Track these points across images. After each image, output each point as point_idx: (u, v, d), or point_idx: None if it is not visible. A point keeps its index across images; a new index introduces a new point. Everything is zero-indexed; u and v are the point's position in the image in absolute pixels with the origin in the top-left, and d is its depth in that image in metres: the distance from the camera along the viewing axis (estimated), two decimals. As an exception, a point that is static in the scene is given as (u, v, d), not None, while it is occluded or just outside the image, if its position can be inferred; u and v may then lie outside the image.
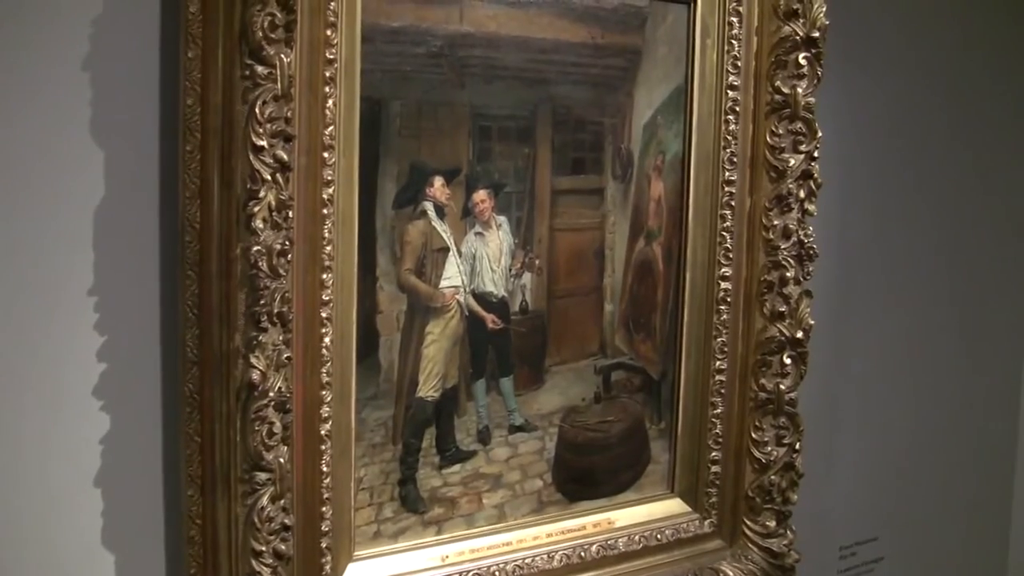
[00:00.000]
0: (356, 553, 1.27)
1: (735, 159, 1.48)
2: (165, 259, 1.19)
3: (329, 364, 1.21)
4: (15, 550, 1.15)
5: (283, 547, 1.20)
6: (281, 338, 1.17)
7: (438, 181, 1.28)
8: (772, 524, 1.54)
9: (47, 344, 1.15)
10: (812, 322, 1.49)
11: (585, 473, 1.45)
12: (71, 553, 1.19)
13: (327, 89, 1.19)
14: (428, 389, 1.30)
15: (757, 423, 1.52)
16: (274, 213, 1.14)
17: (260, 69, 1.12)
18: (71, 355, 1.16)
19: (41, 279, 1.13)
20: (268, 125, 1.14)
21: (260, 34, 1.11)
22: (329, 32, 1.18)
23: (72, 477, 1.18)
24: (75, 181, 1.14)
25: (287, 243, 1.16)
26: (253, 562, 1.19)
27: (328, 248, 1.20)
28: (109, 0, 1.13)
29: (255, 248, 1.14)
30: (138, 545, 1.21)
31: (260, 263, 1.14)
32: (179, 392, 1.19)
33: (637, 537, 1.48)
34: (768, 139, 1.48)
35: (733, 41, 1.47)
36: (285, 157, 1.15)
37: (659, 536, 1.49)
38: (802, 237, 1.48)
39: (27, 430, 1.14)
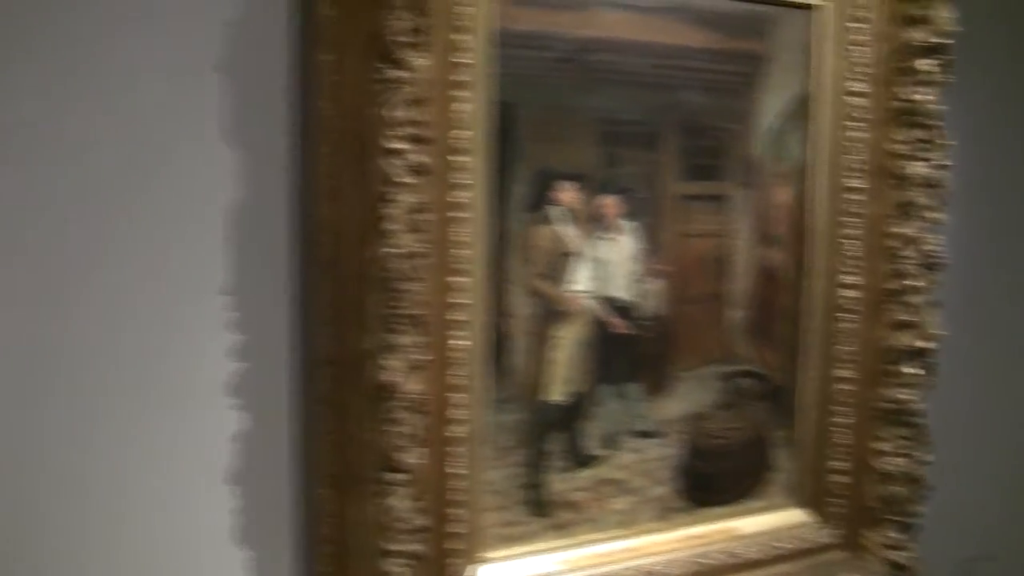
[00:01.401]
0: (484, 555, 1.27)
1: (858, 166, 1.46)
2: (299, 260, 1.21)
3: (461, 367, 1.22)
4: (148, 546, 1.17)
5: (414, 548, 1.21)
6: (415, 340, 1.18)
7: (566, 186, 1.28)
8: (896, 536, 1.51)
9: (181, 342, 1.17)
10: (938, 332, 1.46)
11: (709, 480, 1.44)
12: (203, 550, 1.21)
13: (459, 93, 1.20)
14: (555, 393, 1.31)
15: (882, 433, 1.50)
16: (408, 216, 1.15)
17: (394, 73, 1.14)
18: (204, 354, 1.19)
19: (177, 278, 1.16)
20: (402, 128, 1.15)
21: (394, 38, 1.13)
22: (462, 37, 1.19)
23: (204, 475, 1.20)
24: (210, 182, 1.17)
25: (421, 246, 1.16)
26: (385, 562, 1.19)
27: (460, 251, 1.21)
28: (244, 3, 1.15)
29: (389, 251, 1.15)
30: (270, 543, 1.23)
31: (394, 265, 1.15)
32: (313, 392, 1.20)
33: (759, 546, 1.46)
34: (891, 146, 1.46)
35: (855, 47, 1.45)
36: (419, 160, 1.16)
37: (781, 545, 1.48)
38: (927, 246, 1.45)
39: (160, 427, 1.17)
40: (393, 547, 1.20)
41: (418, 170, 1.16)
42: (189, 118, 1.16)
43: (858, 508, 1.52)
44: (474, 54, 1.21)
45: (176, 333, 1.17)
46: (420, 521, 1.21)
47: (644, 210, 1.35)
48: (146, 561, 1.18)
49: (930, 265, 1.46)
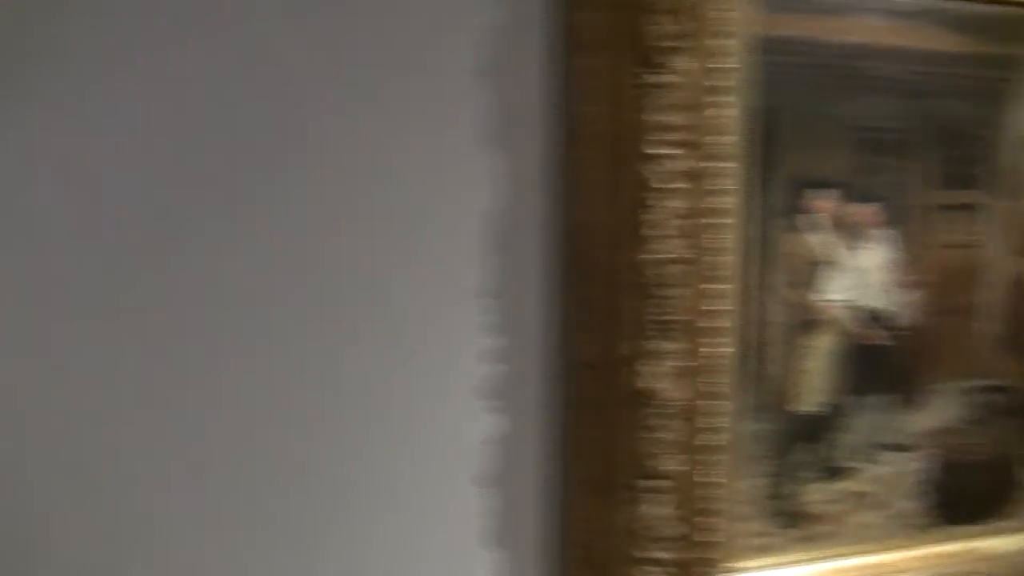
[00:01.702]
0: (733, 565, 1.26)
1: (1116, 176, 1.40)
2: (556, 263, 1.21)
3: (717, 375, 1.21)
4: (397, 545, 1.19)
5: (666, 555, 1.20)
6: (672, 347, 1.18)
7: (821, 193, 1.27)
8: None
9: (437, 345, 1.18)
10: None
11: (958, 497, 1.40)
12: (452, 551, 1.22)
13: (719, 99, 1.19)
14: (806, 403, 1.28)
15: None
16: (667, 222, 1.15)
17: (654, 78, 1.13)
18: (460, 356, 1.20)
19: (434, 280, 1.17)
20: (661, 134, 1.15)
21: (654, 43, 1.12)
22: (722, 42, 1.17)
23: (456, 476, 1.21)
24: (468, 184, 1.18)
25: (680, 252, 1.16)
26: (636, 569, 1.19)
27: (718, 258, 1.20)
28: (502, 8, 1.16)
29: (647, 256, 1.14)
30: (520, 547, 1.23)
31: (652, 271, 1.14)
32: (568, 396, 1.20)
33: (1008, 567, 1.42)
34: None
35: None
36: (678, 166, 1.15)
37: (1029, 568, 1.42)
38: None
39: (415, 428, 1.18)
40: (645, 554, 1.19)
41: (677, 176, 1.15)
42: (448, 122, 1.17)
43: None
44: (734, 59, 1.19)
45: (433, 335, 1.18)
46: (674, 529, 1.20)
47: (898, 219, 1.32)
48: (395, 560, 1.19)
49: None
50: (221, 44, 1.08)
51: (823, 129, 1.27)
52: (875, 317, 1.32)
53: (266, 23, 1.09)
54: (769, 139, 1.23)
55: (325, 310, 1.13)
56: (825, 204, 1.26)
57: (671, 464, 1.18)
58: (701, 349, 1.21)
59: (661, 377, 1.16)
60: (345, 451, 1.15)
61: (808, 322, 1.28)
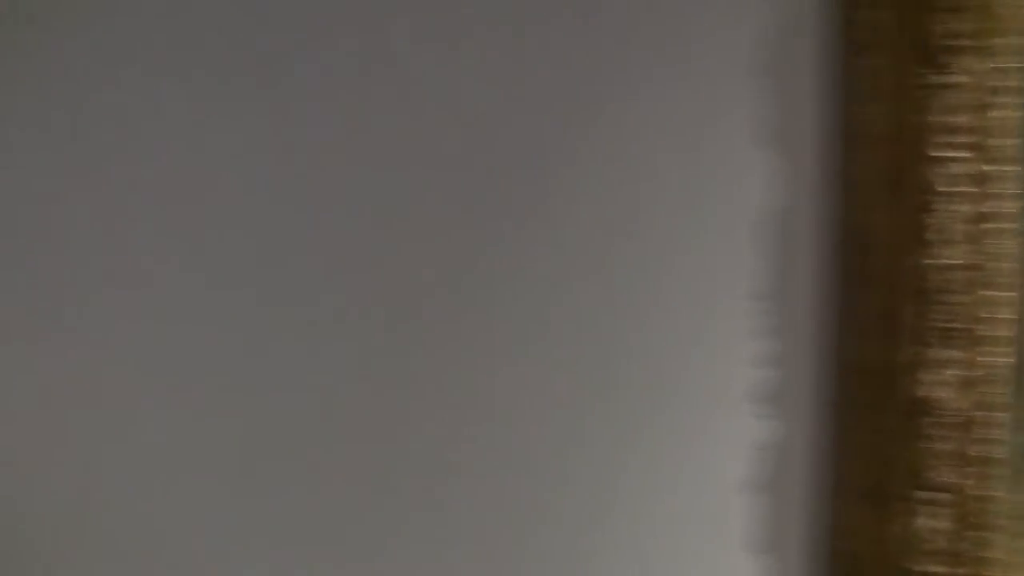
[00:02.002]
0: (1005, 583, 1.21)
1: None
2: (830, 267, 1.18)
3: (996, 385, 1.17)
4: (665, 551, 1.18)
5: (940, 570, 1.17)
6: (954, 355, 1.14)
7: (1103, 199, 1.21)
8: None
9: (707, 347, 1.17)
10: None
11: None
12: (719, 557, 1.20)
13: (1006, 99, 1.15)
14: (1082, 417, 1.24)
15: None
16: (951, 226, 1.12)
17: (941, 78, 1.10)
18: (730, 359, 1.18)
19: (705, 281, 1.16)
20: (947, 136, 1.11)
21: (942, 42, 1.09)
22: (1012, 40, 1.14)
23: (724, 481, 1.19)
24: (743, 185, 1.16)
25: (964, 258, 1.13)
26: (908, 583, 1.16)
27: (1001, 265, 1.16)
28: (778, 8, 1.15)
29: (931, 262, 1.11)
30: (788, 554, 1.22)
31: (936, 277, 1.12)
32: (840, 403, 1.18)
33: None
34: None
35: None
36: (963, 169, 1.12)
37: None
38: None
39: (683, 432, 1.18)
40: (917, 567, 1.16)
41: (963, 179, 1.12)
42: (724, 122, 1.16)
43: None
44: (1022, 59, 1.15)
45: (704, 338, 1.17)
46: (949, 543, 1.16)
47: None
48: (659, 562, 1.19)
49: None
50: (509, 44, 1.08)
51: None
52: None
53: (550, 24, 1.09)
54: (1051, 143, 1.18)
55: (598, 312, 1.13)
56: (1107, 211, 1.21)
57: (948, 476, 1.15)
58: (979, 358, 1.17)
59: (942, 386, 1.13)
60: (613, 453, 1.15)
61: (1086, 333, 1.23)
